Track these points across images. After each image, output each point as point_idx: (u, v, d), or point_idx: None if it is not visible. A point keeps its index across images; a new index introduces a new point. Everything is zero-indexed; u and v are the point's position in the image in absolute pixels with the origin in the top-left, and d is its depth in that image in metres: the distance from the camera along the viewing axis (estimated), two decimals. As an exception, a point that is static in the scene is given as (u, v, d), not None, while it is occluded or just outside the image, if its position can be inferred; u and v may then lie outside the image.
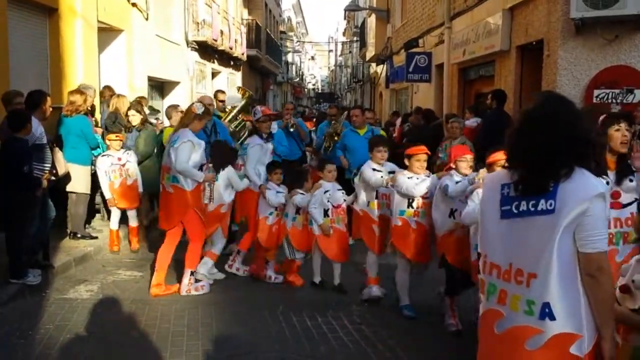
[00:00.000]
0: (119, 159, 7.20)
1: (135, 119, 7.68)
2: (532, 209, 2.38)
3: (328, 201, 5.95)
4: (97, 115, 9.10)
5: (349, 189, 6.42)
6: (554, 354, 2.33)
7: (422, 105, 13.49)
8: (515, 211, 2.43)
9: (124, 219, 7.54)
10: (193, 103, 6.30)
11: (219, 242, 6.34)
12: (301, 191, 6.19)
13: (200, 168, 5.71)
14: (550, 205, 2.33)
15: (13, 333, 4.72)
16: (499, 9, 9.95)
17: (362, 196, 5.79)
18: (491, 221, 2.53)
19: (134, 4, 12.36)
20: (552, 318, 2.32)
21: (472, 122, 9.06)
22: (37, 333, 4.77)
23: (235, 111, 7.87)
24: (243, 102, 7.97)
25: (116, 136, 7.31)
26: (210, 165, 6.00)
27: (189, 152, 5.52)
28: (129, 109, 7.84)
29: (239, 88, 9.64)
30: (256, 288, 6.14)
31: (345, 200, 6.09)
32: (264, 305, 5.52)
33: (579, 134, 2.40)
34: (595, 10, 7.30)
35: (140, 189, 7.43)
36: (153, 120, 10.21)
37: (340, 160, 7.93)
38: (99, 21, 10.35)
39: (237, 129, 7.69)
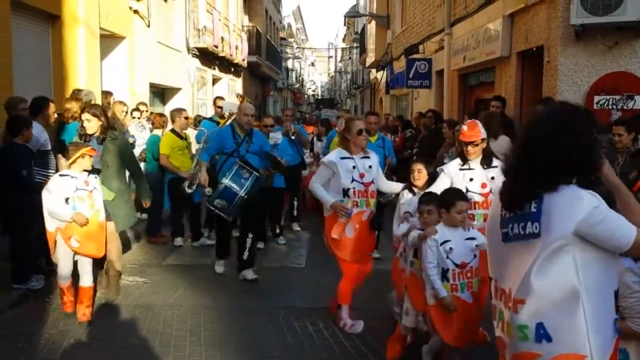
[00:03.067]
0: (86, 183, 5.10)
1: (90, 125, 5.59)
2: (522, 232, 2.24)
3: (448, 257, 3.98)
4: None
5: None
6: None
7: (422, 111, 13.50)
8: (510, 234, 2.30)
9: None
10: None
11: None
12: (416, 221, 4.51)
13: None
14: (536, 228, 2.20)
15: (17, 338, 4.73)
16: (499, 15, 9.99)
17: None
18: (495, 244, 2.41)
19: (135, 11, 12.42)
20: (549, 339, 2.18)
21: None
22: (41, 338, 4.79)
23: (232, 118, 7.81)
24: None
25: (89, 150, 5.13)
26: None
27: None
28: (82, 111, 5.92)
29: (237, 95, 9.69)
30: (258, 294, 6.15)
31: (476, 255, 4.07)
32: (265, 311, 5.54)
33: (556, 147, 2.21)
34: (596, 17, 7.33)
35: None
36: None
37: None
38: (101, 28, 10.40)
39: None
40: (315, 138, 10.93)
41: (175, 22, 16.14)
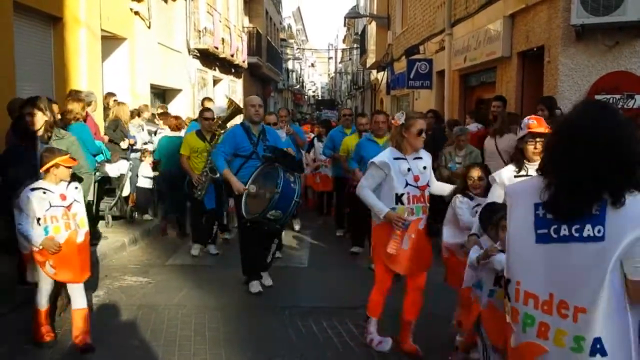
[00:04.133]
0: (63, 197, 4.42)
1: (34, 120, 5.28)
2: (577, 234, 2.07)
3: None
4: (101, 122, 9.16)
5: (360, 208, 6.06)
6: None
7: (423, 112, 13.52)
8: (554, 236, 2.13)
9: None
10: None
11: None
12: (487, 241, 3.79)
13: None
14: (599, 232, 2.03)
15: (21, 339, 4.75)
16: (499, 16, 10.03)
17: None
18: (524, 245, 2.23)
19: (136, 13, 12.46)
20: (604, 354, 2.05)
21: (472, 127, 9.11)
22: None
23: (220, 122, 7.89)
24: (228, 113, 8.06)
25: (66, 160, 4.45)
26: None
27: None
28: (23, 105, 5.65)
29: (226, 97, 9.71)
30: (262, 293, 6.17)
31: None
32: (270, 310, 5.56)
33: (627, 150, 2.06)
34: (596, 17, 7.37)
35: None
36: (152, 128, 10.30)
37: (354, 173, 7.17)
38: (102, 29, 10.43)
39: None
40: (315, 139, 10.94)
41: (175, 24, 16.18)
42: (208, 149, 7.41)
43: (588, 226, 2.05)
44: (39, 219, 4.29)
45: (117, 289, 6.21)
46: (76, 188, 4.51)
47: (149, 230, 8.82)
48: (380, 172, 4.42)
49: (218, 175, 6.92)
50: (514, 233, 2.30)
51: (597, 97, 7.80)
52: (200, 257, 7.61)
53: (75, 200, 4.46)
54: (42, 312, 4.60)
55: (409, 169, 4.43)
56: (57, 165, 4.39)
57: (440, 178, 4.92)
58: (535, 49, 8.91)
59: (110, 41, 11.50)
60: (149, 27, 13.28)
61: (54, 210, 4.30)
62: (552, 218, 2.14)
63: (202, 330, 5.06)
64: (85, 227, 4.51)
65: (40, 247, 4.30)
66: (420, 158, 4.57)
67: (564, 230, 2.10)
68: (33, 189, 4.31)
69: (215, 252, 7.76)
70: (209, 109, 8.06)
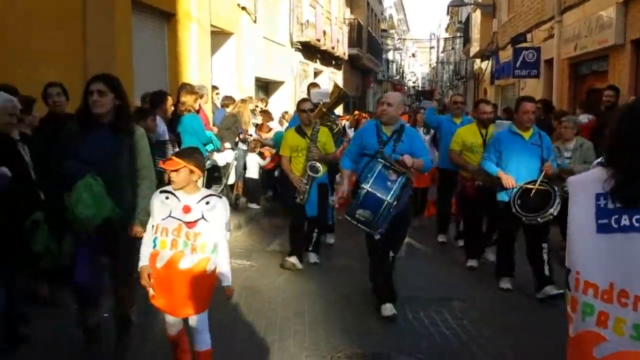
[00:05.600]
0: (186, 210, 3.45)
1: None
2: (637, 224, 2.09)
3: None
4: (210, 114, 9.64)
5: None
6: None
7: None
8: (615, 226, 2.14)
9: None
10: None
11: None
12: None
13: None
14: None
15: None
16: (612, 2, 9.53)
17: None
18: (584, 234, 2.24)
19: (243, 8, 12.95)
20: None
21: (583, 118, 8.73)
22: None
23: (324, 109, 7.27)
24: (332, 99, 7.43)
25: (169, 162, 3.54)
26: None
27: None
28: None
29: (332, 81, 9.62)
30: (359, 281, 6.28)
31: None
32: (367, 299, 5.65)
33: None
34: None
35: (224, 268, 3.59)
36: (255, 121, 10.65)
37: (504, 179, 5.79)
38: (211, 25, 10.94)
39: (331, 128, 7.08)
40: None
41: (279, 17, 16.61)
42: (308, 145, 6.54)
43: None
44: (155, 227, 3.50)
45: (223, 271, 6.55)
46: (207, 204, 3.46)
47: (252, 217, 9.22)
48: None
49: (319, 174, 6.49)
50: (576, 223, 2.29)
51: None
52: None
53: (203, 218, 3.44)
54: (170, 338, 3.74)
55: None
56: (176, 169, 3.48)
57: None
58: (652, 36, 8.41)
59: (218, 36, 12.04)
60: (254, 22, 13.75)
61: (169, 221, 3.44)
62: (613, 208, 2.15)
63: (302, 313, 5.27)
64: (205, 253, 3.42)
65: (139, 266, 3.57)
66: None
67: (625, 220, 2.11)
68: (161, 191, 3.59)
69: (315, 260, 6.88)
70: (306, 99, 7.14)
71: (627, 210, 2.12)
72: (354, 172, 5.51)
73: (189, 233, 3.41)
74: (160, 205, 3.49)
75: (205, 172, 7.76)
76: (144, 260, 3.52)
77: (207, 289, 3.54)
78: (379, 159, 5.04)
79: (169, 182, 3.56)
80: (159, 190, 3.61)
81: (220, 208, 3.48)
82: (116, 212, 3.73)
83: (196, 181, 3.53)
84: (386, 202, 4.82)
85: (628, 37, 9.16)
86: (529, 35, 15.59)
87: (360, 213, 4.90)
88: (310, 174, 6.46)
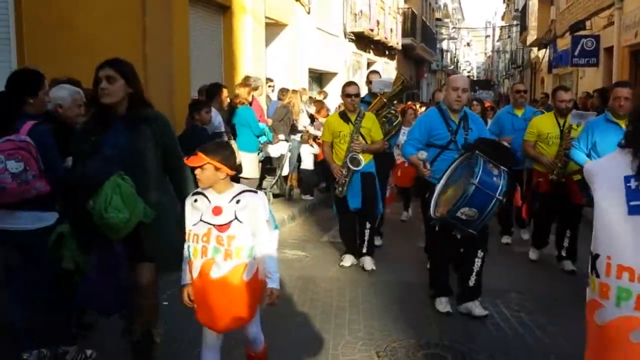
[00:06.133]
0: (216, 211, 3.07)
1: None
2: None
3: None
4: (264, 106, 9.76)
5: None
6: None
7: (589, 92, 12.74)
8: None
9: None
10: None
11: None
12: None
13: None
14: None
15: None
16: (680, -15, 9.12)
17: None
18: (615, 218, 2.19)
19: (297, -1, 13.02)
20: None
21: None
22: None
23: (385, 99, 6.80)
24: (395, 89, 6.91)
25: (194, 158, 3.09)
26: None
27: None
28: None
29: (397, 73, 9.36)
30: (416, 272, 6.28)
31: None
32: (422, 289, 5.62)
33: None
34: None
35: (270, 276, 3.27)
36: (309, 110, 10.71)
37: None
38: (266, 17, 11.05)
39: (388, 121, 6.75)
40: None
41: (333, 8, 16.61)
42: (352, 131, 6.06)
43: None
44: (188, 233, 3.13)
45: (279, 262, 6.63)
46: (238, 202, 3.06)
47: (306, 208, 9.31)
48: None
49: (359, 168, 6.01)
50: (603, 207, 2.24)
51: None
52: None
53: (236, 219, 3.04)
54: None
55: None
56: (201, 166, 3.06)
57: None
58: None
59: (272, 28, 12.15)
60: (308, 13, 13.80)
61: (200, 226, 3.06)
62: None
63: (357, 302, 5.31)
64: (240, 259, 3.03)
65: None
66: None
67: None
68: (193, 194, 3.19)
69: (371, 267, 6.26)
70: (352, 83, 6.52)
71: None
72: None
73: (221, 237, 3.02)
74: (190, 210, 3.13)
75: (259, 164, 7.90)
76: (185, 278, 3.19)
77: (248, 298, 3.08)
78: (477, 153, 4.58)
79: None
80: (191, 194, 3.20)
81: (254, 205, 3.07)
82: (149, 215, 3.34)
83: (224, 178, 3.09)
84: (495, 198, 4.42)
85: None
86: (587, 23, 15.12)
87: (466, 212, 4.45)
88: (351, 167, 6.00)
